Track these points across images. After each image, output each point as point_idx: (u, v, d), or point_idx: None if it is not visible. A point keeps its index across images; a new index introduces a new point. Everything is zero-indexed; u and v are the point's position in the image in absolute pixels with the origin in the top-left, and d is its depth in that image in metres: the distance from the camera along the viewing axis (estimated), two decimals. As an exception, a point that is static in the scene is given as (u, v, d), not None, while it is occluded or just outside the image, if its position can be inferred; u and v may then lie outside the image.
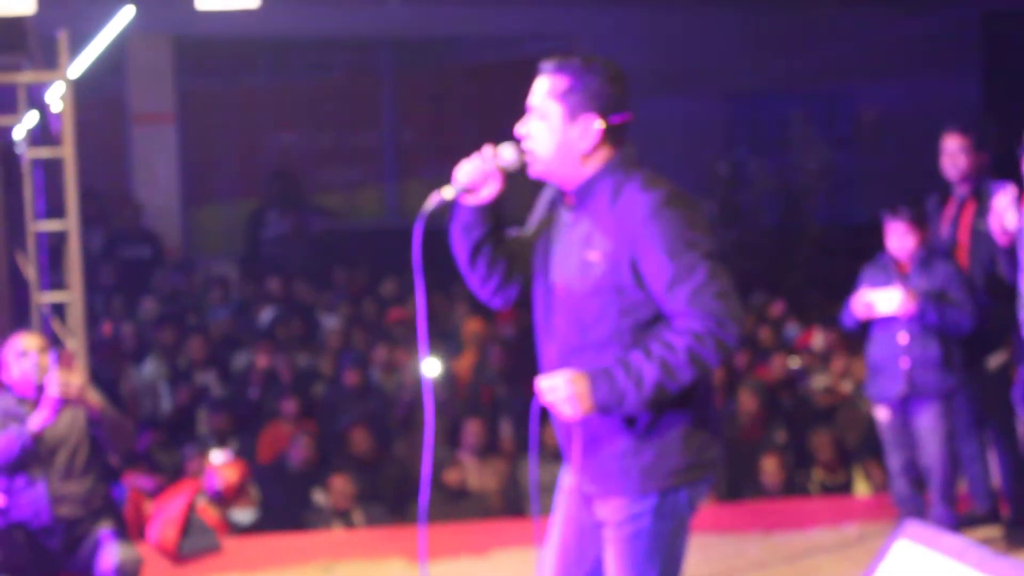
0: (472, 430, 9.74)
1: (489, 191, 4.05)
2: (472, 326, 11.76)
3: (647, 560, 4.03)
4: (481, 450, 9.70)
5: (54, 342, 7.50)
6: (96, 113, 13.93)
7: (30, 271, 7.94)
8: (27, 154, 7.90)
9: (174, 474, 9.27)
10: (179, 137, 15.47)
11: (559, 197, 4.12)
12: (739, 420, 10.02)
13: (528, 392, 10.51)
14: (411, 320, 11.75)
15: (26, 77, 7.61)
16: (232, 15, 14.80)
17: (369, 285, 13.43)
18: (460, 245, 4.13)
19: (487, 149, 4.01)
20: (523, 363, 11.51)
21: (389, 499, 9.34)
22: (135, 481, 8.65)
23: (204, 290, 13.45)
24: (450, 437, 9.97)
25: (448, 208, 4.06)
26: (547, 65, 4.00)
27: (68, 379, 6.40)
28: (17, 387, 6.60)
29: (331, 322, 12.28)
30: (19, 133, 8.61)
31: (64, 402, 6.38)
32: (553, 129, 3.97)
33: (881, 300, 7.17)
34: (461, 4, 16.18)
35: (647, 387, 3.81)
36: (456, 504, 9.05)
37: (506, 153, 4.00)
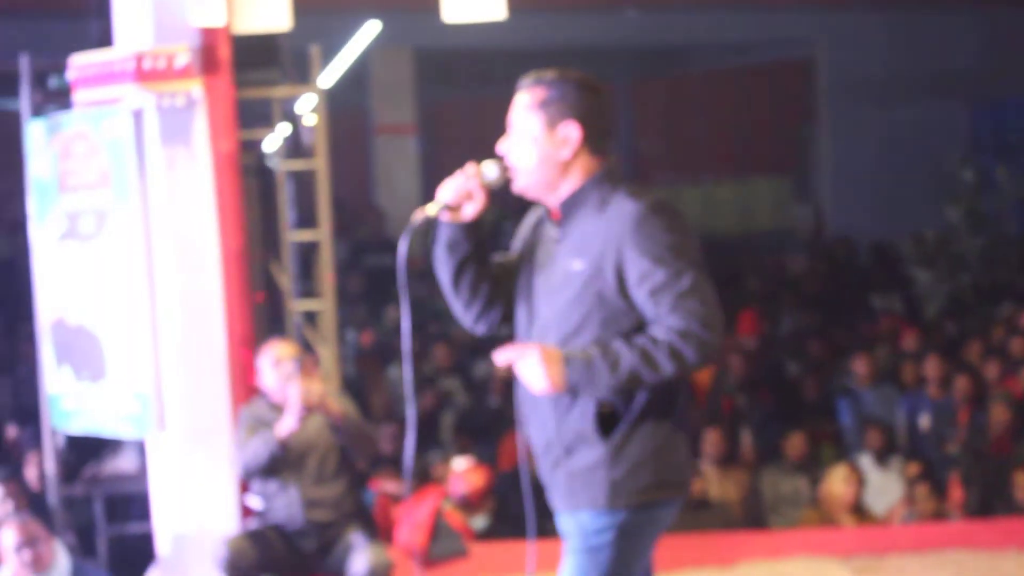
0: (712, 440, 9.66)
1: (472, 208, 3.97)
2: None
3: None
4: (721, 460, 9.62)
5: (307, 350, 7.69)
6: (341, 125, 14.27)
7: (284, 280, 8.16)
8: (280, 166, 8.12)
9: (419, 479, 9.41)
10: (420, 147, 15.74)
11: (544, 215, 4.04)
12: (990, 434, 9.73)
13: (767, 402, 10.45)
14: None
15: (280, 92, 7.82)
16: (471, 27, 15.01)
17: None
18: (443, 265, 4.05)
19: (470, 166, 3.96)
20: (764, 373, 11.43)
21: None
22: (382, 486, 8.80)
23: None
24: (690, 447, 9.90)
25: (449, 227, 3.97)
26: (524, 81, 3.97)
27: (308, 387, 6.55)
28: (272, 394, 6.78)
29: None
30: (271, 146, 8.87)
31: (307, 409, 6.53)
32: (533, 140, 3.91)
33: None
34: (696, 12, 16.11)
35: (623, 372, 3.75)
36: (697, 514, 8.98)
37: (489, 170, 3.93)
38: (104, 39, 7.17)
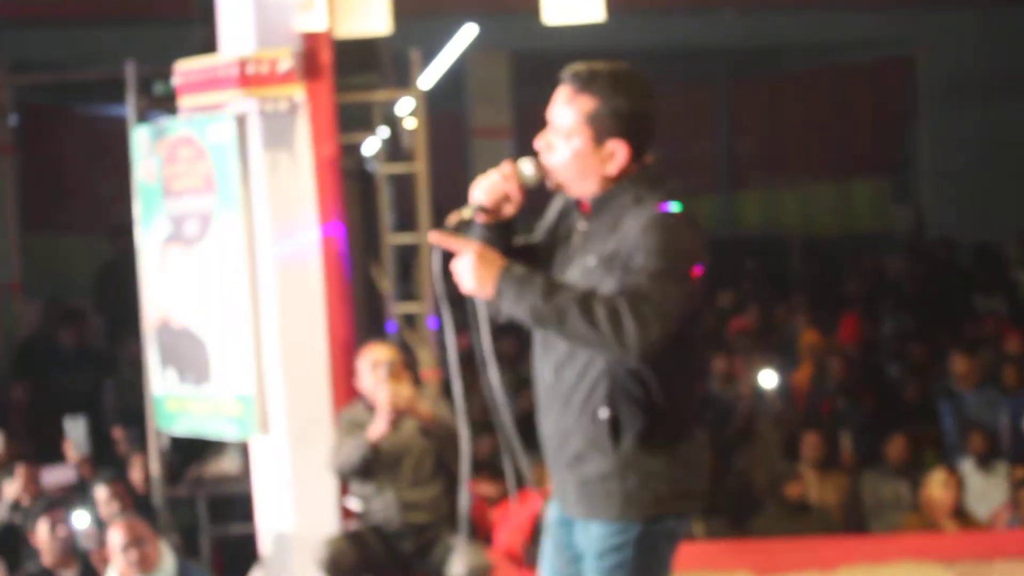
0: (811, 443, 9.59)
1: (510, 209, 3.89)
2: (810, 337, 11.59)
3: None
4: (821, 463, 9.54)
5: (407, 352, 7.73)
6: (438, 128, 14.33)
7: (384, 283, 8.21)
8: (380, 170, 8.17)
9: (517, 482, 9.41)
10: (515, 151, 15.75)
11: (573, 205, 3.96)
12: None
13: (867, 404, 10.35)
14: (751, 330, 11.68)
15: (380, 95, 7.88)
16: (567, 29, 14.98)
17: (706, 295, 13.38)
18: None
19: (505, 165, 3.86)
20: (864, 375, 11.33)
21: (729, 511, 9.28)
22: (479, 489, 8.82)
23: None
24: (789, 450, 9.84)
25: (475, 227, 3.87)
26: (572, 77, 3.81)
27: (397, 390, 6.57)
28: (369, 396, 6.82)
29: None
30: (370, 149, 8.92)
31: (395, 413, 6.55)
32: (577, 152, 3.80)
33: None
34: (794, 11, 15.98)
35: (552, 304, 3.62)
36: (797, 518, 8.92)
37: (526, 168, 3.84)
38: (208, 45, 7.26)
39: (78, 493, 8.39)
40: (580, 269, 3.85)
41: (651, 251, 3.68)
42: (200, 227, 7.15)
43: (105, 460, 9.12)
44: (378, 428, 6.54)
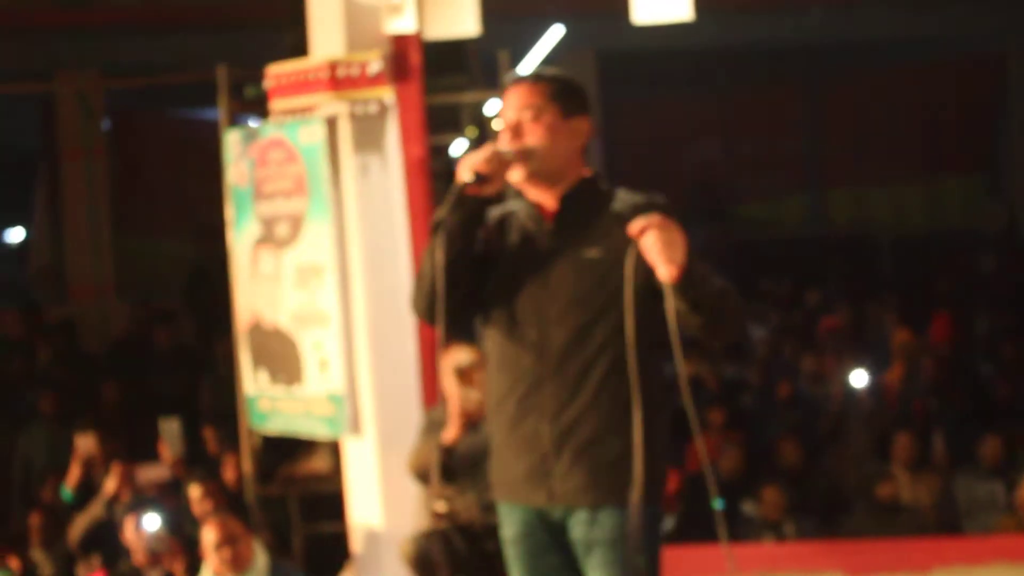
0: (903, 443, 9.50)
1: (494, 186, 3.97)
2: (902, 336, 11.48)
3: None
4: (913, 464, 9.46)
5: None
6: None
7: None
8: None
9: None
10: (601, 149, 15.74)
11: (519, 214, 4.08)
12: None
13: (960, 404, 10.25)
14: (841, 329, 11.61)
15: (469, 97, 7.90)
16: (653, 28, 14.94)
17: (794, 294, 13.32)
18: (453, 242, 3.96)
19: (493, 144, 4.02)
20: (957, 375, 11.21)
21: (819, 511, 9.23)
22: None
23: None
24: (880, 450, 9.77)
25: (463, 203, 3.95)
26: (523, 77, 4.08)
27: (467, 395, 6.58)
28: (449, 398, 6.84)
29: (759, 332, 12.24)
30: (458, 150, 8.94)
31: (465, 417, 6.55)
32: (550, 126, 4.00)
33: None
34: (882, 8, 15.85)
35: (722, 291, 3.84)
36: (889, 519, 8.85)
37: (506, 152, 3.97)
38: (297, 49, 7.31)
39: (172, 492, 8.49)
40: (573, 263, 3.97)
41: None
42: (291, 229, 7.21)
43: (198, 459, 9.23)
44: (449, 433, 6.57)
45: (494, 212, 4.11)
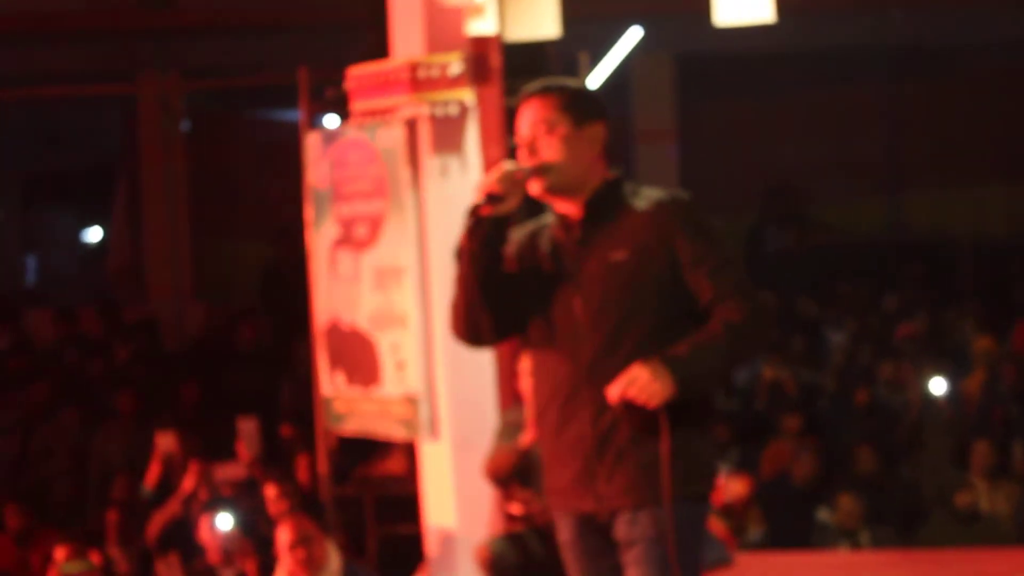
0: (982, 451, 9.41)
1: (512, 203, 3.99)
2: (983, 343, 11.36)
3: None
4: (992, 472, 9.36)
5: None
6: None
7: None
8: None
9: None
10: (679, 154, 15.68)
11: (547, 226, 4.11)
12: None
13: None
14: (919, 335, 11.50)
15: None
16: (732, 31, 14.83)
17: (872, 299, 13.19)
18: (477, 263, 4.02)
19: (504, 163, 4.04)
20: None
21: (896, 520, 9.15)
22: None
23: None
24: (959, 458, 9.67)
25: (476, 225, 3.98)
26: (531, 90, 4.07)
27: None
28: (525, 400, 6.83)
29: (837, 337, 12.14)
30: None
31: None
32: (564, 137, 4.00)
33: None
34: (963, 10, 15.68)
35: (724, 356, 3.89)
36: (967, 529, 8.76)
37: (522, 168, 3.99)
38: (378, 50, 7.33)
39: (248, 491, 8.55)
40: (597, 268, 3.99)
41: (709, 240, 3.97)
42: (369, 230, 7.23)
43: (273, 459, 9.27)
44: (527, 436, 6.56)
45: (527, 227, 4.17)
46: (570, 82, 4.17)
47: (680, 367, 3.84)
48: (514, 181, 3.98)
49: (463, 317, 4.10)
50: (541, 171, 4.00)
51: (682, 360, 3.85)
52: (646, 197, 4.04)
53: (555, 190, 4.04)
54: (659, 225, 3.97)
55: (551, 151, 4.01)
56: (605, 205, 4.05)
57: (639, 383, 3.82)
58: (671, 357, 3.85)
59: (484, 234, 3.99)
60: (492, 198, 3.96)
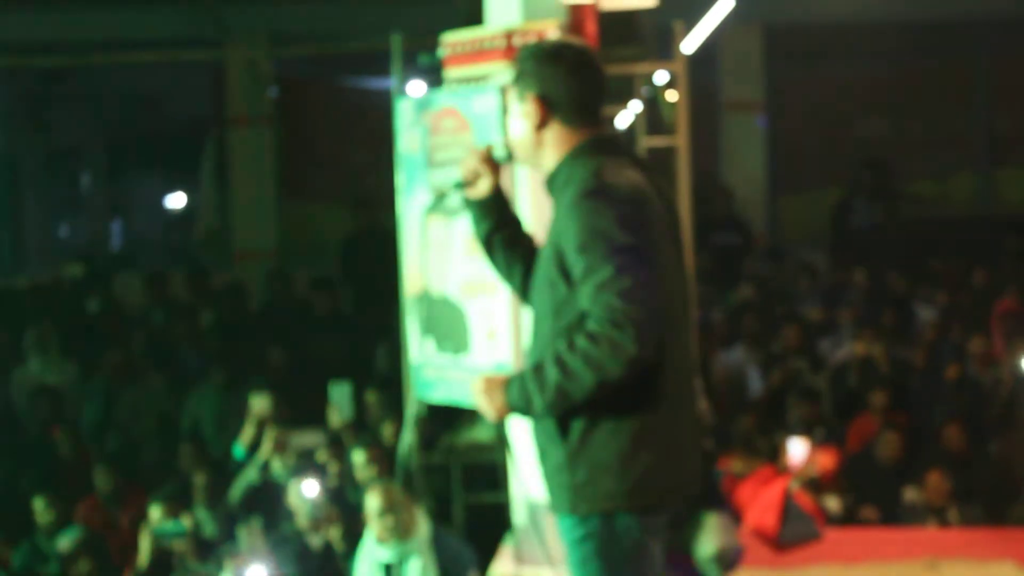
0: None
1: (484, 184, 4.04)
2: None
3: None
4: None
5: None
6: (691, 101, 14.30)
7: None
8: (642, 143, 8.10)
9: (770, 459, 9.30)
10: (767, 124, 15.55)
11: None
12: None
13: None
14: (1014, 312, 11.33)
15: (642, 68, 7.81)
16: (824, 2, 14.67)
17: (963, 275, 13.00)
18: (476, 239, 4.16)
19: (479, 146, 4.06)
20: None
21: (986, 499, 9.03)
22: (730, 465, 8.73)
23: (793, 278, 13.48)
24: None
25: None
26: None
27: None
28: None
29: (927, 313, 11.98)
30: (623, 123, 8.86)
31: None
32: (511, 115, 3.97)
33: None
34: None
35: (550, 391, 3.63)
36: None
37: (497, 147, 4.04)
38: (472, 17, 7.29)
39: (337, 457, 8.58)
40: (541, 256, 3.97)
41: (579, 243, 3.69)
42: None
43: (358, 426, 9.30)
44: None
45: None
46: (520, 53, 4.05)
47: (513, 392, 3.76)
48: (479, 164, 4.06)
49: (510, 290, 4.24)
50: (506, 150, 4.06)
51: (519, 383, 3.76)
52: (576, 183, 3.82)
53: (527, 167, 4.11)
54: (558, 220, 3.84)
55: (509, 131, 4.05)
56: (553, 186, 3.96)
57: (475, 397, 3.85)
58: (515, 377, 3.79)
59: (476, 212, 4.14)
60: (460, 184, 4.10)
